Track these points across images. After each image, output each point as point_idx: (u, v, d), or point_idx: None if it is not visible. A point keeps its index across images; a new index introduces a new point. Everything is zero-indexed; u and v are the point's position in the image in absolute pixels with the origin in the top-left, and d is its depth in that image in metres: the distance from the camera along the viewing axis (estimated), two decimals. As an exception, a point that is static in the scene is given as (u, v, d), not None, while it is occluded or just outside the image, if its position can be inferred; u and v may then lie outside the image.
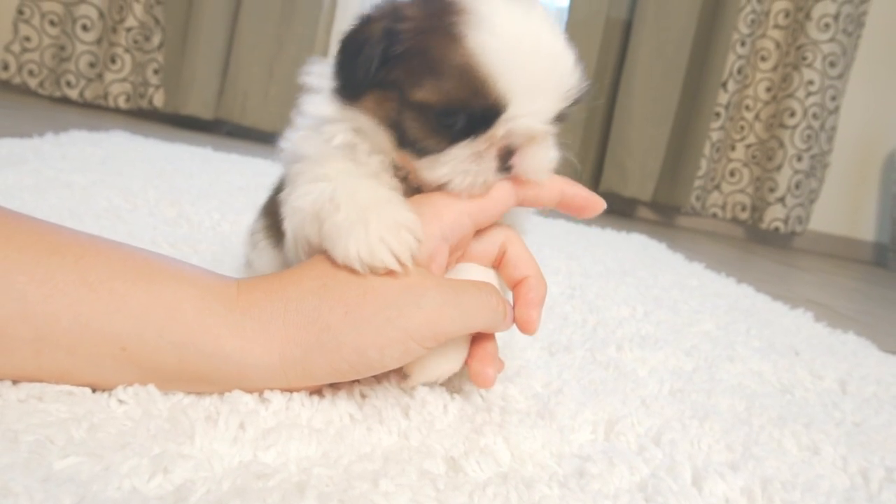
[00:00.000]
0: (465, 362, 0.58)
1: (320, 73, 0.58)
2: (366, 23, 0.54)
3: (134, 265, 0.50)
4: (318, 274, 0.52)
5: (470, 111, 0.51)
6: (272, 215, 0.63)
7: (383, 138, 0.54)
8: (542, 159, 0.55)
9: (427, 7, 0.52)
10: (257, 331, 0.50)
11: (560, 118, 0.55)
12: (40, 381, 0.47)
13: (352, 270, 0.51)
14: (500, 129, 0.52)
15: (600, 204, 0.59)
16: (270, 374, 0.50)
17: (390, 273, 0.51)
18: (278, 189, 0.62)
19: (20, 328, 0.45)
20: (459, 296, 0.53)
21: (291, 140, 0.59)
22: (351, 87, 0.54)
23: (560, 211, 0.60)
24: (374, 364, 0.51)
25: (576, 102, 0.55)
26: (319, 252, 0.54)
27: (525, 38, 0.50)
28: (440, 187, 0.54)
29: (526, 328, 0.58)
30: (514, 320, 0.58)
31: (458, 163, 0.52)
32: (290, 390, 0.52)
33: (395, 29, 0.51)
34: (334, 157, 0.55)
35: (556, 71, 0.52)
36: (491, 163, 0.53)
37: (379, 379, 0.58)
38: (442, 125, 0.52)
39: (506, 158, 0.54)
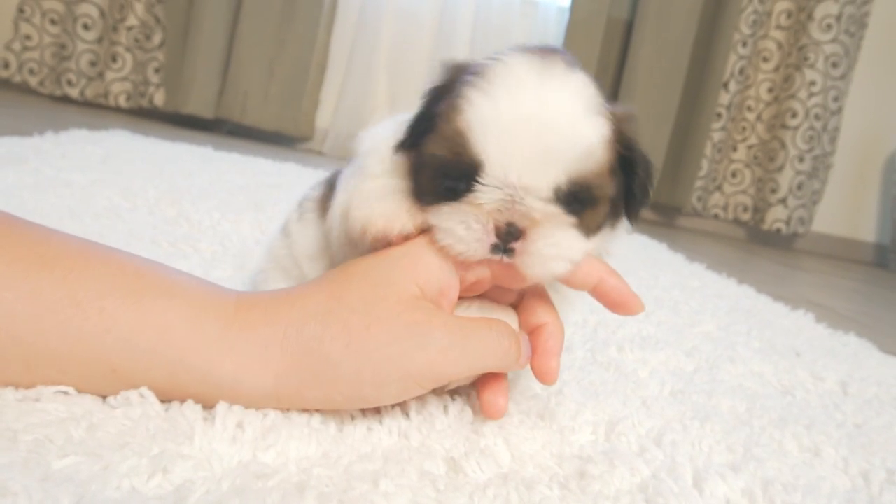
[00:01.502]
0: (475, 386, 0.57)
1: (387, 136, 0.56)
2: (445, 79, 0.53)
3: (124, 281, 0.48)
4: (325, 298, 0.51)
5: (459, 175, 0.49)
6: (328, 187, 0.62)
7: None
8: (549, 252, 0.49)
9: (458, 70, 0.52)
10: (252, 355, 0.48)
11: (576, 202, 0.49)
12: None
13: (359, 292, 0.50)
14: (481, 196, 0.48)
15: (639, 306, 0.55)
16: (263, 398, 0.49)
17: (443, 295, 0.51)
18: (336, 173, 0.63)
19: (9, 346, 0.45)
20: (468, 338, 0.50)
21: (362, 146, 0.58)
22: (404, 144, 0.53)
23: (599, 301, 0.55)
24: (370, 399, 0.50)
25: (585, 187, 0.49)
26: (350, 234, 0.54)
27: (518, 100, 0.47)
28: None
29: (545, 379, 0.55)
30: (532, 369, 0.55)
31: (449, 222, 0.50)
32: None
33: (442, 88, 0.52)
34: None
35: (547, 139, 0.47)
36: (484, 237, 0.49)
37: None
38: (442, 187, 0.50)
39: (508, 240, 0.49)
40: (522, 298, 0.57)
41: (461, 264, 0.52)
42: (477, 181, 0.48)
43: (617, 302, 0.55)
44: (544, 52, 0.51)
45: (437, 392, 0.57)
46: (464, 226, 0.49)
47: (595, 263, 0.54)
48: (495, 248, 0.49)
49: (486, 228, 0.49)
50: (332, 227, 0.58)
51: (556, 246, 0.50)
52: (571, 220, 0.50)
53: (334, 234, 0.58)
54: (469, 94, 0.49)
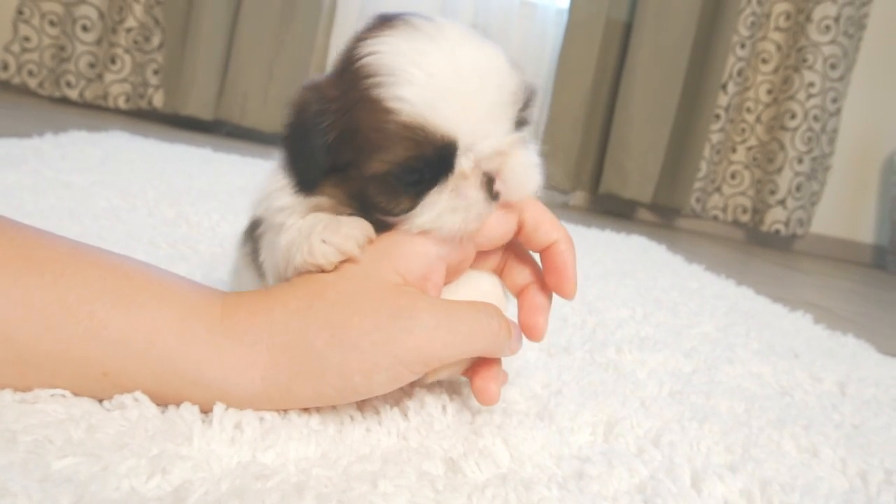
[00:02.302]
0: (467, 376, 0.56)
1: (274, 176, 0.56)
2: (298, 116, 0.52)
3: (114, 284, 0.48)
4: (305, 294, 0.51)
5: (426, 162, 0.49)
6: (255, 242, 0.61)
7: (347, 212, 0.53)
8: (521, 171, 0.51)
9: (342, 81, 0.51)
10: (239, 356, 0.48)
11: (521, 124, 0.52)
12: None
13: (337, 287, 0.50)
14: (464, 163, 0.49)
15: (572, 287, 0.55)
16: (253, 398, 0.49)
17: (345, 261, 0.50)
18: (254, 225, 0.62)
19: (1, 348, 0.45)
20: (454, 319, 0.50)
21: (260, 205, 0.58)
22: (305, 183, 0.52)
23: (542, 264, 0.56)
24: (361, 389, 0.49)
25: (527, 105, 0.52)
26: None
27: (442, 66, 0.48)
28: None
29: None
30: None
31: (441, 206, 0.50)
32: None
33: (323, 113, 0.50)
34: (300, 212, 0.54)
35: (489, 83, 0.49)
36: (477, 192, 0.50)
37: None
38: (406, 185, 0.49)
39: (490, 188, 0.50)
40: (521, 227, 0.55)
41: (448, 245, 0.51)
42: (453, 153, 0.49)
43: (559, 269, 0.54)
44: (392, 20, 0.51)
45: (426, 385, 0.57)
46: (451, 209, 0.49)
47: (556, 223, 0.55)
48: (487, 204, 0.51)
49: (474, 194, 0.50)
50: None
51: (525, 157, 0.51)
52: (522, 136, 0.52)
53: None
54: (387, 94, 0.47)
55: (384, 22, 0.51)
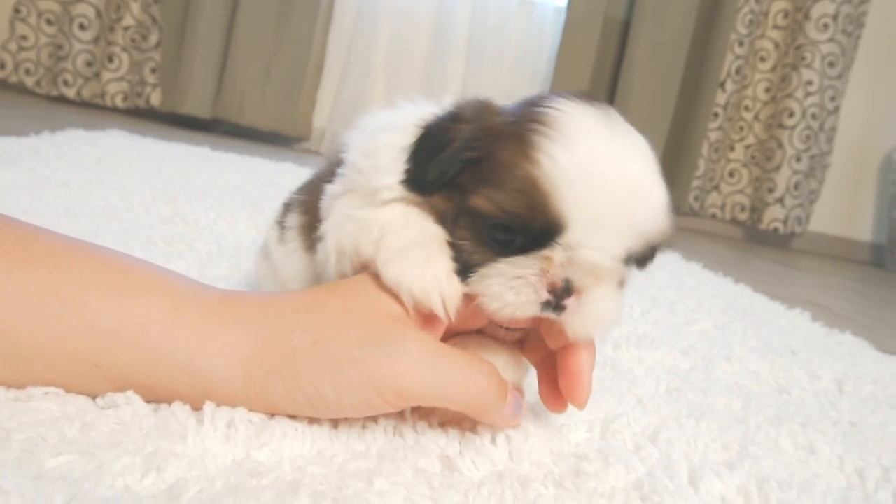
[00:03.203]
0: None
1: (394, 147, 0.52)
2: (454, 120, 0.50)
3: (109, 276, 0.48)
4: (311, 297, 0.50)
5: (525, 229, 0.46)
6: (312, 213, 0.58)
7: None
8: (599, 314, 0.48)
9: (516, 114, 0.49)
10: (228, 343, 0.48)
11: (631, 261, 0.49)
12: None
13: (343, 298, 0.49)
14: (557, 254, 0.46)
15: (582, 400, 0.51)
16: (234, 392, 0.48)
17: (430, 320, 0.49)
18: (311, 185, 0.58)
19: None
20: (442, 361, 0.48)
21: (355, 157, 0.54)
22: (420, 183, 0.50)
23: (558, 363, 0.52)
24: (331, 404, 0.47)
25: (652, 248, 0.49)
26: (361, 269, 0.50)
27: (605, 160, 0.45)
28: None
29: (574, 401, 0.51)
30: (563, 391, 0.52)
31: (502, 280, 0.47)
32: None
33: (478, 132, 0.48)
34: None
35: (634, 205, 0.46)
36: (538, 292, 0.47)
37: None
38: (493, 238, 0.47)
39: (561, 297, 0.47)
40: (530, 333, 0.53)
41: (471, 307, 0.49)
42: (553, 236, 0.46)
43: (573, 373, 0.51)
44: (595, 102, 0.49)
45: (422, 415, 0.54)
46: (514, 291, 0.47)
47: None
48: (545, 306, 0.47)
49: (539, 287, 0.47)
50: (329, 262, 0.53)
51: (608, 302, 0.48)
52: (623, 273, 0.49)
53: (331, 268, 0.53)
54: (542, 144, 0.45)
55: (584, 96, 0.49)
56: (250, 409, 0.48)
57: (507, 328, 0.52)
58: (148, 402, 0.48)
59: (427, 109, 0.53)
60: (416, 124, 0.52)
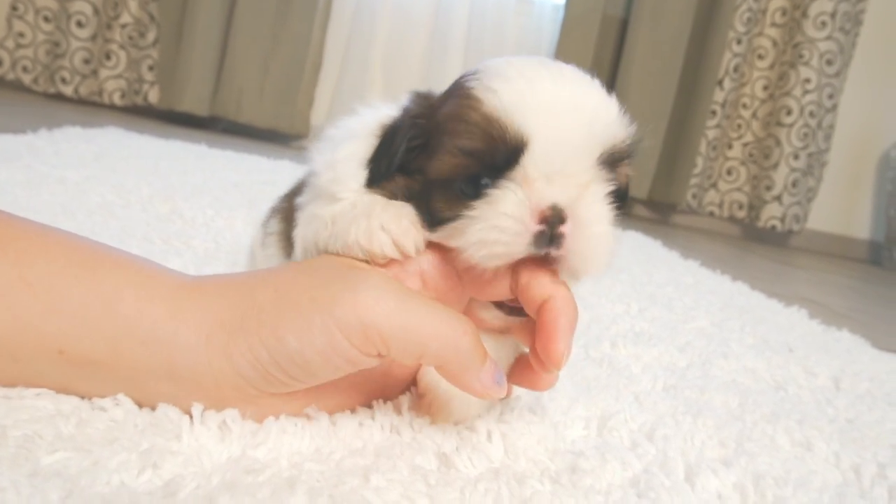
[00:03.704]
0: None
1: (348, 159, 0.53)
2: (403, 114, 0.52)
3: (80, 258, 0.47)
4: (284, 267, 0.51)
5: (490, 164, 0.46)
6: (289, 221, 0.59)
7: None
8: (598, 240, 0.46)
9: (446, 92, 0.51)
10: (194, 310, 0.46)
11: (608, 164, 0.48)
12: None
13: (314, 261, 0.49)
14: (530, 170, 0.45)
15: (557, 360, 0.46)
16: (197, 363, 0.45)
17: (389, 262, 0.48)
18: (294, 192, 0.60)
19: None
20: (409, 299, 0.45)
21: (319, 169, 0.54)
22: (375, 178, 0.51)
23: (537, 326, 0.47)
24: (295, 356, 0.44)
25: (619, 152, 0.48)
26: None
27: (546, 79, 0.47)
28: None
29: (549, 361, 0.46)
30: (538, 350, 0.47)
31: (483, 222, 0.46)
32: (224, 404, 0.46)
33: (419, 117, 0.50)
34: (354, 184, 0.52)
35: (585, 108, 0.47)
36: (525, 222, 0.45)
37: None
38: (464, 193, 0.47)
39: (554, 224, 0.45)
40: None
41: (478, 279, 0.48)
42: (518, 154, 0.46)
43: (546, 328, 0.46)
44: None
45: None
46: (497, 229, 0.45)
47: (560, 281, 0.48)
48: (539, 239, 0.45)
49: (526, 217, 0.45)
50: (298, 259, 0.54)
51: (603, 223, 0.47)
52: (608, 187, 0.48)
53: None
54: (487, 86, 0.47)
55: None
56: (215, 388, 0.46)
57: (499, 311, 0.51)
58: (118, 394, 0.46)
59: (384, 113, 0.54)
60: (373, 132, 0.53)
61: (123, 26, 2.90)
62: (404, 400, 0.55)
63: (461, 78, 0.51)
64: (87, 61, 2.88)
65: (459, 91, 0.49)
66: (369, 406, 0.54)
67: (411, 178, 0.50)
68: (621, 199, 0.50)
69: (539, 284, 0.47)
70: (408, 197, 0.51)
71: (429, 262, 0.50)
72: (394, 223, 0.48)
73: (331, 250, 0.50)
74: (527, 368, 0.51)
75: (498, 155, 0.46)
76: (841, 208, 3.35)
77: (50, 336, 0.45)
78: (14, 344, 0.45)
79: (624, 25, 3.15)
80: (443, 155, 0.48)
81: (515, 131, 0.45)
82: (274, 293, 0.46)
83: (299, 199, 0.56)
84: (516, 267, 0.47)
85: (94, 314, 0.45)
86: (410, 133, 0.50)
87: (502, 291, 0.49)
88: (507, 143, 0.46)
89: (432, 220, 0.49)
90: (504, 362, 0.53)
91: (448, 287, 0.50)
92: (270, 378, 0.46)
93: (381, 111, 0.55)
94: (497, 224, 0.45)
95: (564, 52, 3.08)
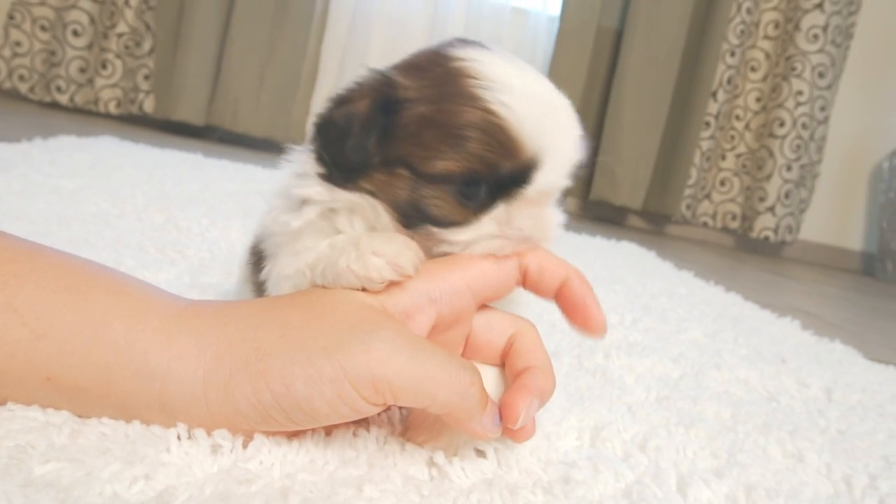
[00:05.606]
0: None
1: (302, 161, 0.53)
2: (342, 103, 0.51)
3: (70, 281, 0.46)
4: (278, 298, 0.49)
5: (498, 175, 0.48)
6: (256, 273, 0.59)
7: (383, 217, 0.50)
8: (548, 219, 0.52)
9: (428, 75, 0.49)
10: (189, 344, 0.45)
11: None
12: None
13: (310, 296, 0.48)
14: (529, 192, 0.49)
15: (600, 322, 0.52)
16: (191, 397, 0.45)
17: (391, 286, 0.47)
18: (256, 252, 0.60)
19: None
20: (421, 351, 0.45)
21: (266, 221, 0.56)
22: (345, 171, 0.50)
23: (560, 307, 0.53)
24: (302, 403, 0.43)
25: (582, 163, 0.52)
26: None
27: (541, 98, 0.49)
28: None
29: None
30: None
31: (487, 231, 0.49)
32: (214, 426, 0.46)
33: (394, 100, 0.49)
34: (310, 234, 0.52)
35: (572, 131, 0.51)
36: (514, 244, 0.50)
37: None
38: (462, 195, 0.48)
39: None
40: (511, 347, 0.52)
41: (444, 290, 0.49)
42: (529, 175, 0.49)
43: (577, 304, 0.51)
44: (487, 47, 0.52)
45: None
46: (493, 236, 0.50)
47: (562, 261, 0.52)
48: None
49: (516, 239, 0.50)
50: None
51: (552, 218, 0.52)
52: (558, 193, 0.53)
53: None
54: (487, 96, 0.47)
55: (465, 42, 0.52)
56: (210, 422, 0.45)
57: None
58: (111, 418, 0.46)
59: (300, 156, 0.54)
60: (291, 187, 0.52)
61: (119, 35, 2.91)
62: (396, 410, 0.55)
63: (439, 62, 0.50)
64: (83, 70, 2.88)
65: (465, 92, 0.48)
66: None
67: (393, 172, 0.49)
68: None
69: (550, 272, 0.52)
70: (391, 202, 0.49)
71: (440, 290, 0.49)
72: (386, 245, 0.47)
73: (322, 284, 0.49)
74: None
75: (510, 170, 0.48)
76: (834, 219, 3.37)
77: (37, 363, 0.44)
78: (1, 371, 0.44)
79: (619, 37, 3.17)
80: (445, 157, 0.47)
81: (533, 155, 0.48)
82: (280, 337, 0.45)
83: (263, 250, 0.56)
84: (522, 258, 0.52)
85: (83, 341, 0.44)
86: (383, 117, 0.48)
87: (508, 286, 0.52)
88: (521, 163, 0.48)
89: (424, 219, 0.49)
90: (497, 396, 0.53)
91: (463, 304, 0.50)
92: (270, 420, 0.45)
93: (298, 156, 0.54)
94: (494, 246, 0.50)
95: (559, 63, 3.10)
